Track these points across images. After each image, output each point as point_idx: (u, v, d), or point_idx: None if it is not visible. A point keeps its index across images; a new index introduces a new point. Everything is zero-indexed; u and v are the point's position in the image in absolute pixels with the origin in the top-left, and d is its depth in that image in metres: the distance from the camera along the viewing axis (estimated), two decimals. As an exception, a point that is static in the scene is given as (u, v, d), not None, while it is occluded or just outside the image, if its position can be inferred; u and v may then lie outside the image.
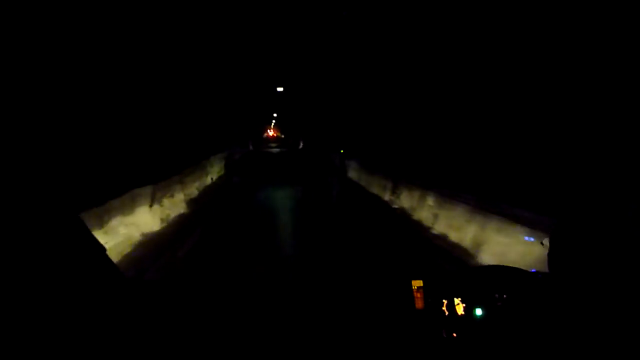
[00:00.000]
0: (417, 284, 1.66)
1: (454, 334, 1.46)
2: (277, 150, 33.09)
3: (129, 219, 6.19)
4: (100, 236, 4.55)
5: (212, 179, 13.19)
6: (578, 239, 1.12)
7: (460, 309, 1.47)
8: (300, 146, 34.21)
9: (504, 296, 1.40)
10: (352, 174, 14.72)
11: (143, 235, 6.32)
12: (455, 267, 5.08)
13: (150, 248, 5.86)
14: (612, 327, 0.99)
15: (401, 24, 9.89)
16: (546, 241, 1.27)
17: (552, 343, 1.09)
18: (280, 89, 21.93)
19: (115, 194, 5.99)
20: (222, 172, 15.47)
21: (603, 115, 4.42)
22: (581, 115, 4.75)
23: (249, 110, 24.85)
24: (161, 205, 7.54)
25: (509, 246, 4.76)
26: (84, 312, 1.16)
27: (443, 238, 6.48)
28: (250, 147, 32.32)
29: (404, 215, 8.48)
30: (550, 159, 5.16)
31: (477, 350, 1.36)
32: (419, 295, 1.65)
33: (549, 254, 1.23)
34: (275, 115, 47.79)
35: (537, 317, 1.21)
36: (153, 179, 7.43)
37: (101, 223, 5.30)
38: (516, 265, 1.65)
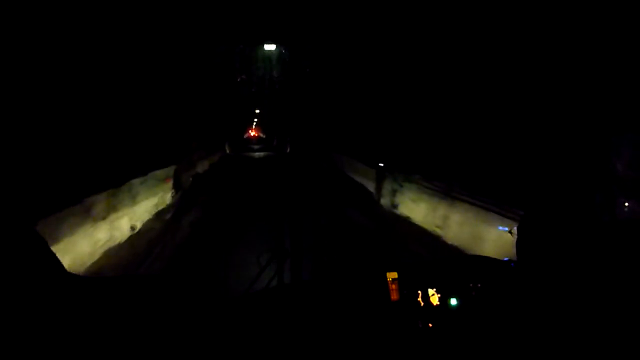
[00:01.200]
0: (391, 275, 1.56)
1: (430, 325, 1.43)
2: (260, 154, 26.08)
3: None
4: None
5: (132, 227, 6.35)
6: (544, 227, 1.24)
7: (435, 300, 1.48)
8: (288, 150, 27.14)
9: (478, 285, 1.45)
10: (416, 212, 7.29)
11: None
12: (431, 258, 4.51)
13: None
14: (580, 310, 1.06)
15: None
16: (515, 230, 1.37)
17: (525, 329, 1.17)
18: (270, 47, 15.17)
19: None
20: (167, 203, 8.61)
21: (569, 112, 4.46)
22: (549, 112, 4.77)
23: (221, 102, 17.90)
24: None
25: None
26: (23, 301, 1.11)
27: None
28: (227, 151, 25.45)
29: None
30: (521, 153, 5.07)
31: (453, 339, 1.36)
32: (394, 287, 1.55)
33: (517, 242, 1.34)
34: (257, 111, 41.07)
35: (511, 305, 1.30)
36: None
37: None
38: None
